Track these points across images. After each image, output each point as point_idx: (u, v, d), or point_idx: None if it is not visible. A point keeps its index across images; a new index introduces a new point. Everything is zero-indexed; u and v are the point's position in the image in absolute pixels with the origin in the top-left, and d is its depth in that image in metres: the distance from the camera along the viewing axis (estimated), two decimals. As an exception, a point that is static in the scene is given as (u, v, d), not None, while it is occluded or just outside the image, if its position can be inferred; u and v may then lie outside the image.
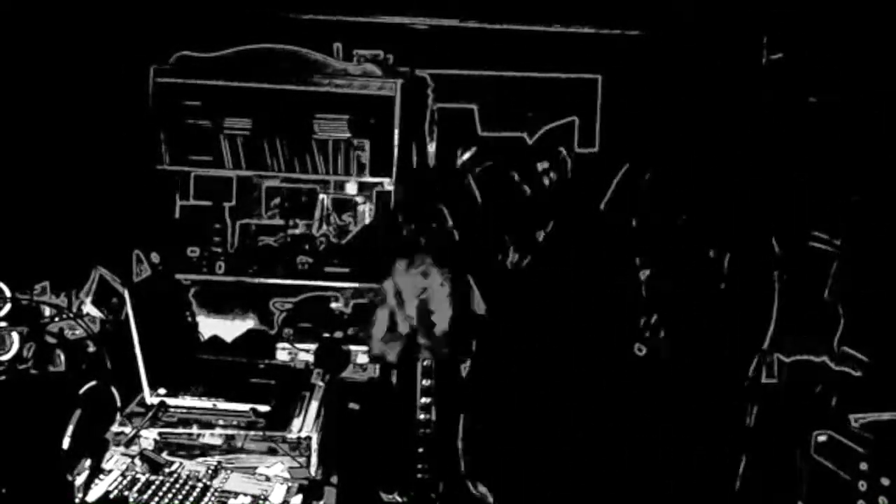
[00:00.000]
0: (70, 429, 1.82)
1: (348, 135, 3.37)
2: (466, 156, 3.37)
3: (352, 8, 3.37)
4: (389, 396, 3.32)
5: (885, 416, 2.68)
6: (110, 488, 1.84)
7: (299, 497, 1.94)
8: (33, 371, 2.27)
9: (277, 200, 3.51)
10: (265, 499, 1.88)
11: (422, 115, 3.49)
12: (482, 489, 3.19)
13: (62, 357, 2.35)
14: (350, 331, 3.38)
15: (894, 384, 2.81)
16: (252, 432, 2.20)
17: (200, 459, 2.09)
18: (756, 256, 3.08)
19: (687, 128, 3.33)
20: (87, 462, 1.84)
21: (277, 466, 2.08)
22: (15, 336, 2.25)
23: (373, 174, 3.40)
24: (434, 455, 3.28)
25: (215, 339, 3.29)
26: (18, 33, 3.00)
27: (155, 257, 3.23)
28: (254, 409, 2.28)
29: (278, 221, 3.50)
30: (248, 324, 3.41)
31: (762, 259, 3.01)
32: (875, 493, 2.50)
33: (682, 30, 3.31)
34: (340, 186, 3.50)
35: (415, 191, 3.03)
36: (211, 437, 2.18)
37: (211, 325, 3.35)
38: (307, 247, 3.44)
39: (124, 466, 1.96)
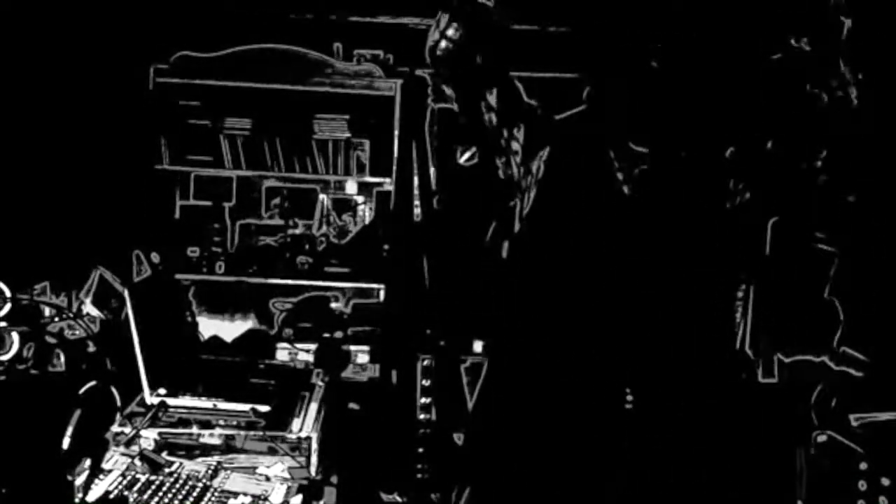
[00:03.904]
0: (70, 429, 1.82)
1: (348, 135, 3.37)
2: (466, 155, 3.37)
3: (352, 8, 3.38)
4: (389, 396, 3.32)
5: (885, 416, 2.69)
6: (110, 488, 1.84)
7: (299, 497, 1.94)
8: (33, 371, 2.27)
9: (277, 200, 3.51)
10: (265, 499, 1.88)
11: (422, 115, 3.49)
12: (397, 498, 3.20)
13: (62, 357, 2.35)
14: None
15: (894, 384, 2.81)
16: (252, 432, 2.20)
17: (200, 459, 2.09)
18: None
19: (684, 127, 3.32)
20: (87, 462, 1.84)
21: (277, 466, 2.08)
22: (15, 336, 2.25)
23: (373, 174, 3.40)
24: (434, 455, 3.28)
25: (215, 339, 3.29)
26: (18, 33, 3.00)
27: (155, 257, 3.23)
28: (254, 409, 2.28)
29: (278, 221, 3.50)
30: (247, 324, 3.41)
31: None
32: (875, 493, 2.50)
33: (682, 29, 3.30)
34: (340, 186, 3.50)
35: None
36: (211, 437, 2.18)
37: (211, 325, 3.35)
38: (307, 247, 3.44)
39: (124, 466, 1.96)
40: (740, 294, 3.18)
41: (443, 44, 2.12)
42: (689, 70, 2.12)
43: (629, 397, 2.07)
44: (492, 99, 2.20)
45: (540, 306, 2.17)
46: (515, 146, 2.22)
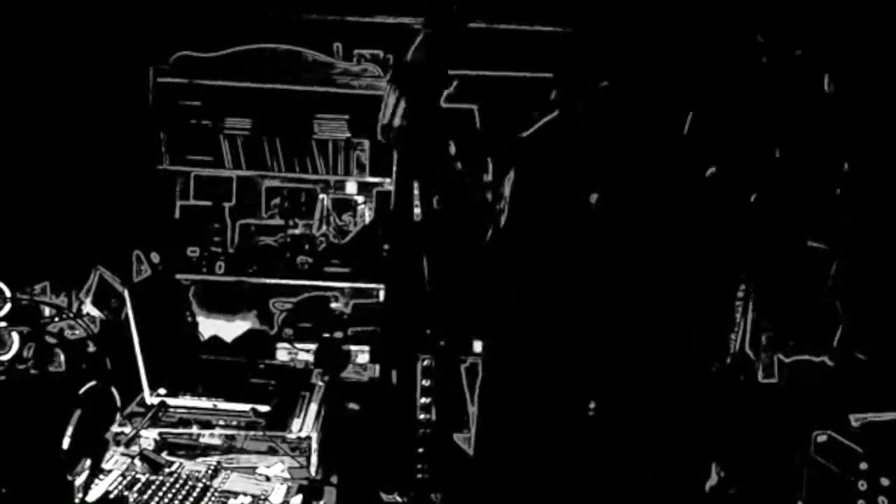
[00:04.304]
0: (70, 429, 1.82)
1: (348, 135, 3.37)
2: None
3: (352, 8, 3.37)
4: (389, 396, 3.32)
5: (885, 416, 2.69)
6: (110, 488, 1.84)
7: (299, 497, 1.94)
8: (33, 371, 2.27)
9: (277, 200, 3.51)
10: (265, 499, 1.88)
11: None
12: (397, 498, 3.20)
13: (62, 357, 2.35)
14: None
15: (894, 384, 2.81)
16: (252, 432, 2.20)
17: (200, 459, 2.09)
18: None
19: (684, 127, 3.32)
20: (87, 462, 1.84)
21: (277, 466, 2.08)
22: (15, 336, 2.25)
23: (373, 174, 3.40)
24: (434, 455, 3.28)
25: (215, 339, 3.29)
26: (18, 33, 3.00)
27: (155, 257, 3.23)
28: (254, 409, 2.28)
29: (278, 221, 3.50)
30: (247, 324, 3.41)
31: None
32: (875, 493, 2.50)
33: (681, 29, 3.31)
34: (340, 186, 3.50)
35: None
36: (211, 437, 2.18)
37: (211, 325, 3.35)
38: (307, 247, 3.44)
39: (124, 466, 1.96)
40: (740, 294, 3.18)
41: (396, 122, 2.18)
42: (664, 77, 2.13)
43: (591, 404, 2.07)
44: (452, 150, 2.25)
45: (516, 311, 2.18)
46: (486, 178, 2.25)
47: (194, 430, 2.20)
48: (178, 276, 3.31)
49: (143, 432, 2.13)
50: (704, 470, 3.07)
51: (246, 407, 2.29)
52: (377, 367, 3.30)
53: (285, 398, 2.44)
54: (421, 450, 3.27)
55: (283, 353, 3.12)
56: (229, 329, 3.36)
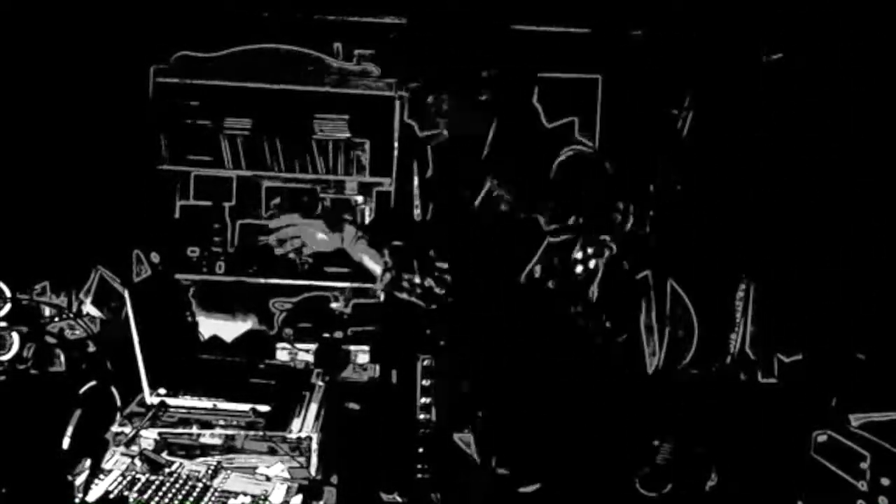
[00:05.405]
0: (70, 429, 1.82)
1: (348, 135, 3.37)
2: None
3: (352, 8, 3.38)
4: (389, 396, 3.32)
5: (885, 416, 2.69)
6: (110, 488, 1.84)
7: (299, 497, 1.94)
8: (33, 371, 2.26)
9: (277, 200, 3.51)
10: (265, 499, 1.88)
11: (422, 115, 3.49)
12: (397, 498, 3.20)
13: (62, 357, 2.35)
14: None
15: (894, 384, 2.81)
16: (252, 432, 2.19)
17: (200, 459, 2.09)
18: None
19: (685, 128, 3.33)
20: (87, 462, 1.84)
21: (277, 466, 2.08)
22: (15, 336, 2.25)
23: (373, 174, 3.40)
24: (434, 455, 3.28)
25: (215, 339, 3.29)
26: (18, 33, 3.00)
27: (155, 257, 3.23)
28: (254, 409, 2.27)
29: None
30: (248, 324, 3.41)
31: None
32: (875, 493, 2.50)
33: (682, 29, 3.31)
34: (340, 186, 3.50)
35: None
36: (211, 437, 2.18)
37: (211, 325, 3.35)
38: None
39: (124, 466, 1.96)
40: (741, 294, 3.18)
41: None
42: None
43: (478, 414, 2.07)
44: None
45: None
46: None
47: (194, 430, 2.19)
48: (178, 276, 3.31)
49: (143, 432, 2.13)
50: (706, 469, 3.08)
51: (246, 407, 2.28)
52: (377, 367, 3.30)
53: (285, 398, 2.44)
54: (421, 450, 3.27)
55: (283, 353, 3.12)
56: (229, 329, 3.36)
